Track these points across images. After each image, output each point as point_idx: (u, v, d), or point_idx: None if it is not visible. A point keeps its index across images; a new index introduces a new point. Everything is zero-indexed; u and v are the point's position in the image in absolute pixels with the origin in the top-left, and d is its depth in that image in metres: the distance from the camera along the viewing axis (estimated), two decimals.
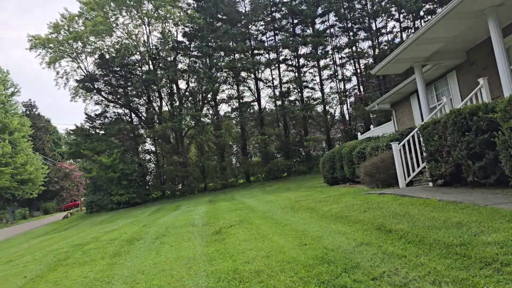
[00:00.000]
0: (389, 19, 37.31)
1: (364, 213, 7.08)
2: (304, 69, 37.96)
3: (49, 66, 34.91)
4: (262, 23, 38.33)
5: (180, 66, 35.92)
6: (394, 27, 37.97)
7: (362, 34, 36.48)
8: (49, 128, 73.50)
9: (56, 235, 18.91)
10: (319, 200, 10.76)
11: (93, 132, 34.43)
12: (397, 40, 37.49)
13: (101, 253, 8.12)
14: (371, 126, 21.22)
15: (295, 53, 37.17)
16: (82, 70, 36.17)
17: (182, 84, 36.99)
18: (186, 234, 8.82)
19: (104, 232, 12.67)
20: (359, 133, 23.96)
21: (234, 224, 8.96)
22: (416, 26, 36.91)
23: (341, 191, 13.44)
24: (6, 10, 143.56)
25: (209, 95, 36.27)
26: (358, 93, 32.36)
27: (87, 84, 34.76)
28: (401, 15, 36.58)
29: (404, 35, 36.84)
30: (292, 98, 37.49)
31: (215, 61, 33.30)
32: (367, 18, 36.22)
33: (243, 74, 37.15)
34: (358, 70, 35.66)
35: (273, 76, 38.16)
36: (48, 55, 35.56)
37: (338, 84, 35.60)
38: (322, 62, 36.68)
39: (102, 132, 34.73)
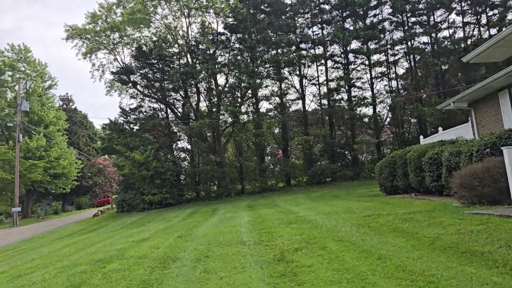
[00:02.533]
0: (449, 12, 34.14)
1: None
2: (352, 66, 35.39)
3: (84, 57, 34.10)
4: (308, 15, 36.07)
5: (220, 59, 34.18)
6: (453, 22, 34.77)
7: (417, 29, 33.45)
8: (85, 123, 73.92)
9: (82, 237, 17.43)
10: (402, 218, 8.50)
11: (127, 127, 33.26)
12: (458, 35, 34.33)
13: (126, 279, 6.21)
14: (440, 129, 18.59)
15: (344, 48, 34.65)
16: (119, 62, 35.27)
17: (221, 80, 35.33)
18: (236, 258, 6.79)
19: (132, 242, 10.87)
20: (421, 137, 21.33)
21: (300, 248, 6.87)
22: (480, 21, 33.63)
23: (417, 204, 11.10)
24: (51, 9, 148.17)
25: (249, 91, 34.34)
26: (414, 93, 29.52)
27: (122, 76, 33.67)
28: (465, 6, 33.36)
29: (469, 30, 33.64)
30: (338, 97, 34.96)
31: (258, 54, 31.30)
32: (424, 11, 33.23)
33: (287, 69, 35.01)
34: (413, 68, 32.70)
35: (319, 73, 35.84)
36: (84, 46, 34.78)
37: (390, 83, 32.82)
38: (373, 59, 33.94)
39: (137, 127, 33.50)
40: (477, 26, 33.81)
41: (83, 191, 67.64)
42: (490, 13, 33.45)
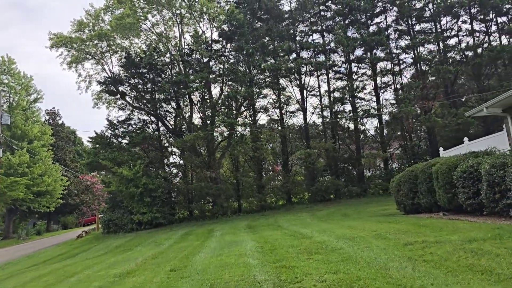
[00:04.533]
0: (456, 20, 32.82)
1: None
2: (356, 75, 33.75)
3: (70, 66, 32.14)
4: (308, 23, 34.56)
5: (215, 69, 32.39)
6: (460, 29, 33.39)
7: (421, 37, 31.94)
8: (72, 138, 71.46)
9: (59, 266, 15.19)
10: (467, 249, 6.55)
11: (115, 140, 31.15)
12: (464, 44, 32.94)
13: None
14: (465, 139, 16.80)
15: (347, 57, 33.09)
16: (106, 72, 33.25)
17: (216, 90, 33.48)
18: None
19: (114, 277, 8.80)
20: (441, 149, 19.54)
21: None
22: (490, 28, 32.33)
23: (464, 227, 9.17)
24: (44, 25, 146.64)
25: (246, 102, 32.49)
26: (426, 102, 27.82)
27: (110, 87, 31.69)
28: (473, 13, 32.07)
29: (477, 38, 32.27)
30: (341, 108, 33.23)
31: (255, 62, 29.49)
32: (431, 18, 31.84)
33: (287, 79, 33.28)
34: (423, 76, 31.12)
35: (320, 83, 34.16)
36: (70, 55, 32.83)
37: (397, 92, 31.05)
38: (378, 68, 32.32)
39: (125, 141, 31.40)
40: (485, 34, 32.52)
41: (69, 209, 64.86)
42: (500, 20, 32.23)
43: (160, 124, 33.58)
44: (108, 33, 30.91)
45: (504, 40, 31.84)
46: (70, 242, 28.65)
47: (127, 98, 33.41)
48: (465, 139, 16.84)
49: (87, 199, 64.94)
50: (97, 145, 29.94)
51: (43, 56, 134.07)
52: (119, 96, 32.89)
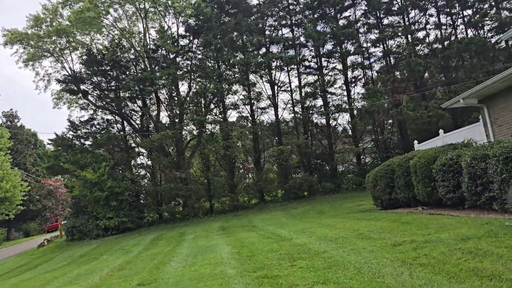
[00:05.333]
0: (423, 13, 33.11)
1: None
2: (326, 70, 33.51)
3: (26, 64, 30.32)
4: (277, 17, 34.02)
5: (182, 65, 31.32)
6: (427, 22, 33.70)
7: (390, 30, 31.95)
8: (33, 141, 68.45)
9: (15, 281, 14.00)
10: (464, 249, 6.07)
11: (77, 142, 29.61)
12: (432, 37, 33.30)
13: None
14: (441, 131, 16.65)
15: (317, 52, 32.77)
16: (67, 70, 31.57)
17: (184, 87, 32.47)
18: None
19: (89, 285, 7.88)
20: (416, 142, 19.39)
21: None
22: (456, 23, 32.76)
23: (449, 223, 8.76)
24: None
25: (215, 99, 31.62)
26: (396, 95, 27.80)
27: (71, 85, 30.09)
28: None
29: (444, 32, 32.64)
30: (313, 104, 32.87)
31: (225, 56, 28.59)
32: (399, 11, 31.95)
33: (257, 75, 32.60)
34: (393, 69, 31.21)
35: (291, 79, 33.70)
36: (26, 52, 31.00)
37: (368, 86, 30.92)
38: (349, 62, 32.18)
39: (89, 142, 29.92)
40: (452, 27, 32.93)
41: (31, 216, 62.12)
42: (465, 13, 32.72)
43: (125, 123, 32.24)
44: (68, 29, 29.31)
45: (470, 33, 32.37)
46: (31, 251, 27.05)
47: (89, 97, 31.87)
48: (441, 131, 16.69)
49: (50, 204, 62.40)
50: (58, 148, 28.36)
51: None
52: (80, 95, 31.33)
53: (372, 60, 32.89)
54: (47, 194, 61.69)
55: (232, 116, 35.06)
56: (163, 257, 11.57)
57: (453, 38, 31.78)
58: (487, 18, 29.88)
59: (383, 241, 8.07)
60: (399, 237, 8.14)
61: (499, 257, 5.30)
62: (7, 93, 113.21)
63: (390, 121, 30.92)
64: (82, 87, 31.20)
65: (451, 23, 32.91)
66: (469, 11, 32.62)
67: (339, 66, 33.00)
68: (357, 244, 8.25)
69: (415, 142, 19.42)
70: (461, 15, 32.79)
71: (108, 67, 30.28)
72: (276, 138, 32.26)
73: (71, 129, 29.56)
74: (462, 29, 32.94)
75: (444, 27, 33.01)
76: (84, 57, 30.42)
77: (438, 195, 11.80)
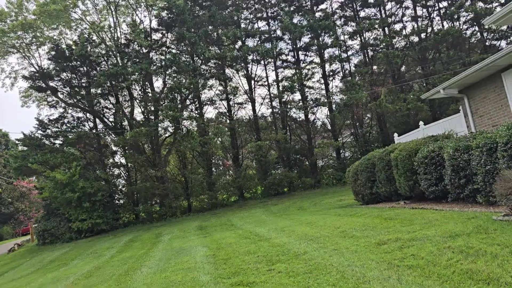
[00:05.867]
0: (398, 6, 33.04)
1: None
2: (304, 64, 33.10)
3: None
4: (252, 9, 33.36)
5: (155, 58, 30.37)
6: (403, 15, 33.64)
7: (367, 22, 31.70)
8: (4, 141, 66.21)
9: None
10: (454, 248, 5.65)
11: (47, 141, 28.37)
12: (408, 30, 33.28)
13: None
14: (421, 123, 16.38)
15: (294, 46, 32.30)
16: (34, 66, 30.20)
17: (158, 83, 31.50)
18: None
19: None
20: (396, 135, 19.13)
21: None
22: (432, 16, 32.77)
23: (434, 218, 8.38)
24: None
25: (191, 95, 30.81)
26: (375, 88, 27.59)
27: (38, 82, 28.80)
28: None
29: (421, 24, 32.60)
30: (291, 98, 32.42)
31: (199, 50, 27.79)
32: (376, 3, 31.74)
33: (233, 69, 31.91)
34: (371, 62, 31.02)
35: (268, 73, 33.17)
36: None
37: (345, 79, 30.64)
38: (326, 54, 31.82)
39: (59, 141, 28.72)
40: (428, 19, 32.94)
41: (3, 219, 60.11)
42: (441, 5, 32.76)
43: (98, 121, 31.11)
44: (34, 23, 28.05)
45: (446, 25, 32.42)
46: (0, 257, 25.84)
47: (59, 94, 30.63)
48: (421, 123, 16.43)
49: (23, 207, 60.40)
50: (26, 148, 27.10)
51: None
52: (49, 92, 30.08)
53: (350, 53, 32.65)
54: (19, 196, 59.66)
55: (209, 112, 34.24)
56: (135, 262, 10.90)
57: (429, 30, 31.78)
58: (462, 9, 29.92)
59: (367, 239, 7.62)
60: (383, 235, 7.70)
61: (494, 256, 4.88)
62: None
63: (369, 114, 30.75)
64: (51, 84, 29.94)
65: (427, 15, 32.96)
66: (445, 3, 32.72)
67: (317, 60, 32.65)
68: (339, 243, 7.78)
69: (395, 135, 19.16)
70: (437, 7, 32.84)
71: (78, 63, 29.11)
72: (255, 133, 31.69)
73: (40, 128, 28.29)
74: (439, 21, 33.05)
75: (420, 19, 33.04)
76: (52, 52, 29.14)
77: (420, 188, 11.48)
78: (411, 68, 33.33)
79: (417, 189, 11.64)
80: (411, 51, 30.05)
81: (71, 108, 30.56)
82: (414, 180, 11.58)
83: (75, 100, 30.29)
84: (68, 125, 29.49)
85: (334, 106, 30.92)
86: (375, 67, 32.18)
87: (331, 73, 32.99)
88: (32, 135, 27.74)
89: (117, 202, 29.83)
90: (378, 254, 6.25)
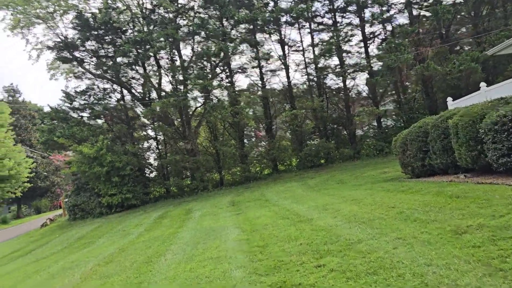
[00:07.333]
0: None
1: None
2: (340, 27, 30.73)
3: (12, 30, 28.23)
4: None
5: (182, 24, 28.90)
6: None
7: None
8: (37, 116, 67.34)
9: None
10: None
11: (74, 114, 27.82)
12: None
13: None
14: (483, 84, 14.37)
15: (331, 6, 29.97)
16: (59, 36, 29.42)
17: (187, 51, 30.13)
18: None
19: None
20: (449, 99, 17.16)
21: None
22: None
23: None
24: None
25: (221, 63, 29.36)
26: (423, 49, 25.17)
27: (63, 53, 28.05)
28: None
29: None
30: (327, 63, 30.38)
31: (229, 13, 26.01)
32: None
33: (264, 35, 30.07)
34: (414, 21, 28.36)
35: (303, 38, 31.12)
36: (13, 18, 28.90)
37: (389, 40, 28.15)
38: (367, 13, 29.38)
39: (86, 114, 28.13)
40: None
41: (40, 192, 61.72)
42: None
43: (125, 92, 30.26)
44: None
45: None
46: (33, 232, 25.92)
47: (86, 65, 29.88)
48: (482, 84, 14.41)
49: (59, 180, 61.65)
50: (53, 121, 26.63)
51: None
52: (76, 63, 29.35)
53: (392, 12, 29.93)
54: (55, 170, 60.80)
55: (240, 80, 32.68)
56: (160, 245, 9.88)
57: None
58: None
59: (437, 225, 6.15)
60: (458, 220, 6.21)
61: None
62: (12, 70, 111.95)
63: (414, 79, 28.36)
64: (77, 54, 29.18)
65: None
66: None
67: (356, 21, 30.25)
68: (401, 229, 6.34)
69: (449, 99, 17.15)
70: None
71: (103, 31, 28.06)
72: (289, 102, 30.01)
73: (67, 100, 27.70)
74: None
75: None
76: (76, 21, 28.17)
77: (486, 160, 9.83)
78: (461, 26, 30.37)
79: (482, 160, 10.03)
80: (464, 6, 27.12)
81: (97, 79, 29.79)
82: (479, 150, 9.96)
83: (102, 71, 29.46)
84: (95, 97, 28.75)
85: (375, 70, 28.66)
86: (424, 24, 29.44)
87: (371, 36, 30.60)
88: (58, 108, 27.21)
89: (147, 176, 29.19)
90: (463, 249, 4.80)
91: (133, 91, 30.34)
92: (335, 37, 28.20)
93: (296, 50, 31.43)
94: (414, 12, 29.21)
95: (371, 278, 4.44)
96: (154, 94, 29.89)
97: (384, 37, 30.06)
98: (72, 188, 27.49)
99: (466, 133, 10.23)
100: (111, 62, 29.10)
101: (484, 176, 10.26)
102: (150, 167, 29.65)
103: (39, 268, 10.90)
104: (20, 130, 59.43)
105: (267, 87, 30.47)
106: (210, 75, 28.65)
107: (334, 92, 30.67)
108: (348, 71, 28.86)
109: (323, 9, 31.07)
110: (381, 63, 27.34)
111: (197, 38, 29.01)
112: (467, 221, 5.97)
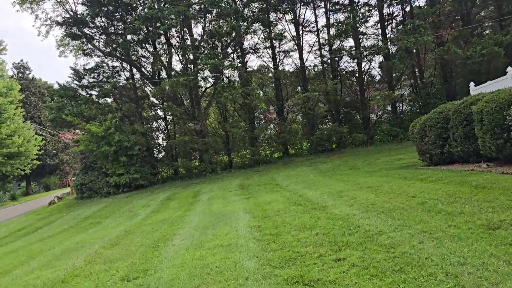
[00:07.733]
0: None
1: None
2: (356, 7, 29.76)
3: (21, 4, 27.83)
4: None
5: (194, 1, 28.18)
6: None
7: None
8: (47, 93, 67.30)
9: (3, 250, 12.41)
10: None
11: (82, 92, 27.51)
12: None
13: None
14: (509, 69, 13.69)
15: None
16: (68, 12, 28.95)
17: (198, 29, 29.48)
18: None
19: (65, 273, 5.97)
20: (472, 84, 16.49)
21: None
22: None
23: None
24: None
25: (232, 43, 28.72)
26: (443, 31, 24.28)
27: (72, 29, 27.60)
28: None
29: None
30: (342, 45, 29.56)
31: None
32: None
33: (278, 14, 29.29)
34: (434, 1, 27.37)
35: (317, 18, 30.20)
36: None
37: (407, 20, 27.22)
38: None
39: (94, 92, 27.81)
40: None
41: (49, 170, 62.18)
42: None
43: (134, 71, 29.85)
44: None
45: None
46: (41, 210, 25.90)
47: (95, 42, 29.45)
48: (510, 68, 13.73)
49: (67, 158, 61.91)
50: (61, 98, 26.35)
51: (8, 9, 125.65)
52: (85, 40, 28.92)
53: None
54: (64, 147, 60.98)
55: (252, 60, 31.95)
56: (168, 228, 9.57)
57: None
58: None
59: (465, 218, 5.72)
60: (488, 213, 5.76)
61: None
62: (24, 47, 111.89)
63: (431, 63, 27.52)
64: (87, 31, 28.73)
65: None
66: None
67: (373, 1, 29.29)
68: (426, 221, 5.91)
69: (471, 84, 16.49)
70: None
71: (112, 7, 27.50)
72: (301, 84, 29.37)
73: (75, 78, 27.38)
74: None
75: None
76: None
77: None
78: (483, 9, 29.30)
79: (508, 149, 9.53)
80: None
81: (107, 57, 29.37)
82: (505, 139, 9.45)
83: (111, 48, 29.00)
84: (104, 75, 28.37)
85: (392, 52, 27.84)
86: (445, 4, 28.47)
87: (389, 17, 29.69)
88: (67, 85, 26.91)
89: (155, 156, 28.95)
90: (499, 247, 4.37)
91: (142, 69, 29.92)
92: (351, 18, 27.37)
93: (310, 31, 30.67)
94: None
95: (398, 276, 4.03)
96: (163, 73, 29.42)
97: (402, 18, 29.16)
98: (80, 166, 27.38)
99: (491, 120, 9.73)
100: (120, 40, 28.62)
101: (508, 165, 9.80)
102: (158, 147, 29.40)
103: (44, 247, 10.70)
104: (30, 107, 59.46)
105: (280, 68, 29.84)
106: (221, 55, 28.05)
107: (348, 75, 29.93)
108: (364, 53, 28.08)
109: None
110: (397, 46, 26.50)
111: (208, 16, 28.36)
112: (499, 215, 5.52)
